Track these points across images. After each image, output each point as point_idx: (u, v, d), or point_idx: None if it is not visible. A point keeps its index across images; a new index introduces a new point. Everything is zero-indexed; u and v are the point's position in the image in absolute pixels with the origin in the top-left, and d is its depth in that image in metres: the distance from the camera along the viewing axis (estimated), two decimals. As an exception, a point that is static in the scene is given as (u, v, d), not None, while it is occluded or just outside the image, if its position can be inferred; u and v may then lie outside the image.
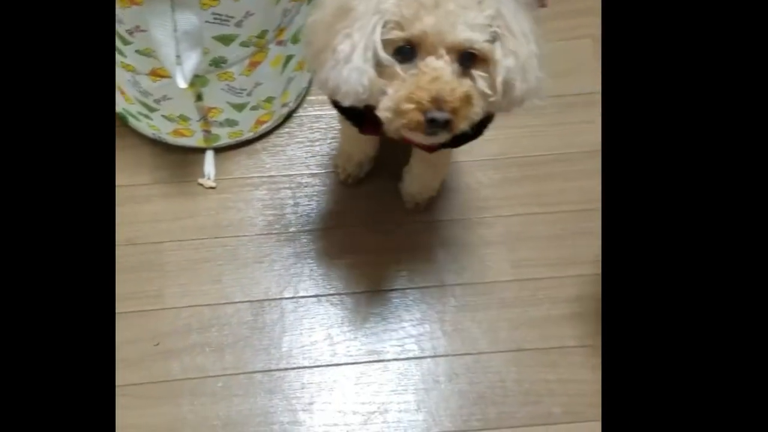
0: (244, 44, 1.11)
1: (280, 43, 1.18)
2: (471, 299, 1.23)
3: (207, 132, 1.29)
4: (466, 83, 0.76)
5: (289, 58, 1.24)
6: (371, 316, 1.21)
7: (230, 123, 1.28)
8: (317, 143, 1.36)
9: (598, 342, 1.19)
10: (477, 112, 0.78)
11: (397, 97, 0.75)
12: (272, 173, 1.34)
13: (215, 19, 1.02)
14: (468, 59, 0.76)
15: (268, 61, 1.19)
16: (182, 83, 1.02)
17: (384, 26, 0.75)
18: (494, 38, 0.77)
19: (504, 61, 0.76)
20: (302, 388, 1.16)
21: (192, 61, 1.02)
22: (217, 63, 1.12)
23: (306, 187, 1.32)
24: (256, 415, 1.13)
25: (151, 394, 1.14)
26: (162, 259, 1.25)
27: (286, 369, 1.17)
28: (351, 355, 1.19)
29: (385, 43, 0.76)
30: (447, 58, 0.74)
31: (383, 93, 0.77)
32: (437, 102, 0.73)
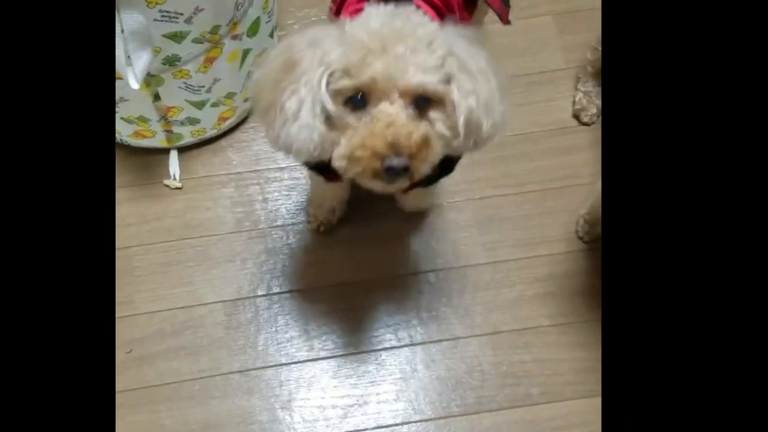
0: (196, 41, 1.08)
1: (235, 37, 1.16)
2: (445, 284, 1.23)
3: (169, 132, 1.27)
4: (424, 126, 0.73)
5: (246, 52, 1.21)
6: (347, 309, 1.20)
7: (192, 121, 1.26)
8: (282, 137, 1.34)
9: (571, 320, 1.20)
10: (437, 153, 0.74)
11: (351, 144, 0.72)
12: (239, 170, 1.33)
13: (163, 16, 1.00)
14: (423, 102, 0.73)
15: (225, 56, 1.16)
16: (134, 84, 1.00)
17: (332, 75, 0.72)
18: (448, 79, 0.74)
19: (464, 101, 0.74)
20: (280, 386, 1.15)
21: (143, 61, 0.99)
22: (171, 61, 1.10)
23: (274, 182, 1.31)
24: (235, 416, 1.13)
25: (127, 402, 1.12)
26: (130, 264, 1.23)
27: (264, 367, 1.16)
28: (328, 349, 1.18)
29: (335, 93, 0.73)
30: (401, 102, 0.72)
31: (337, 145, 0.74)
32: (394, 147, 0.70)
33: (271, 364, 1.17)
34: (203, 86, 1.19)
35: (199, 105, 1.22)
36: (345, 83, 0.72)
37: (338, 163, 0.74)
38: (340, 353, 1.17)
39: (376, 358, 1.17)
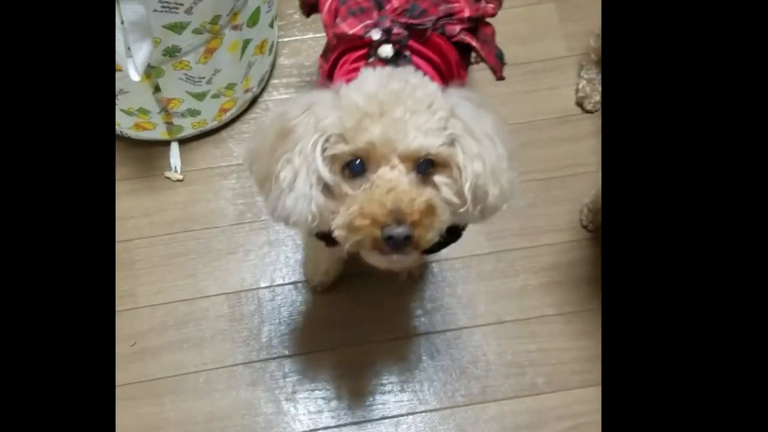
0: (197, 31, 1.07)
1: (235, 27, 1.15)
2: (449, 275, 1.22)
3: (169, 124, 1.26)
4: (428, 192, 0.68)
5: (246, 42, 1.20)
6: (350, 300, 1.20)
7: (192, 113, 1.25)
8: (283, 127, 1.33)
9: (575, 309, 1.19)
10: (443, 220, 0.69)
11: (350, 213, 0.67)
12: (240, 161, 1.32)
13: (163, 7, 0.99)
14: (427, 166, 0.68)
15: (225, 46, 1.15)
16: (135, 76, 0.99)
17: (327, 141, 0.69)
18: (453, 140, 0.70)
19: (470, 166, 0.69)
20: (285, 378, 1.15)
21: (143, 52, 0.98)
22: (171, 52, 1.09)
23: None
24: (240, 408, 1.12)
25: (131, 395, 1.12)
26: (132, 258, 1.23)
27: (267, 359, 1.16)
28: (332, 341, 1.17)
29: (332, 159, 0.69)
30: (402, 167, 0.67)
31: (336, 215, 0.70)
32: (395, 215, 0.65)
33: (275, 355, 1.16)
34: (204, 77, 1.18)
35: (200, 96, 1.21)
36: (342, 149, 0.68)
37: (337, 233, 0.70)
38: (344, 345, 1.17)
39: (380, 349, 1.17)
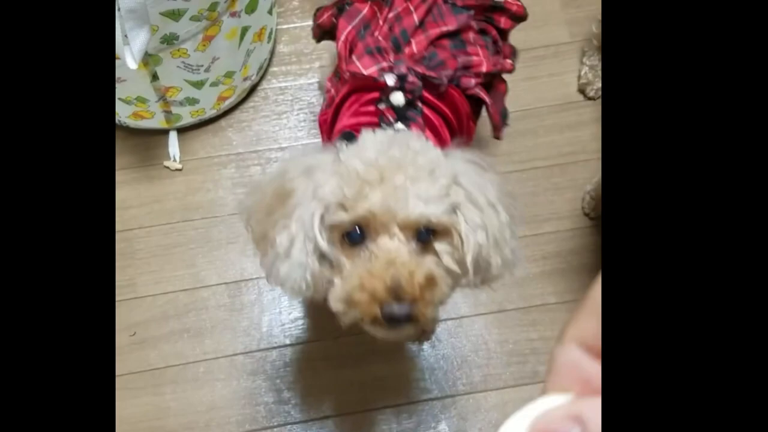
0: (194, 18, 1.06)
1: (233, 14, 1.13)
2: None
3: (168, 112, 1.25)
4: (428, 262, 0.66)
5: (245, 29, 1.19)
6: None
7: (191, 101, 1.24)
8: (284, 116, 1.33)
9: (578, 297, 1.18)
10: (445, 293, 0.67)
11: (349, 286, 0.65)
12: (240, 150, 1.31)
13: (160, -6, 0.98)
14: (427, 234, 0.67)
15: (223, 34, 1.14)
16: (132, 64, 0.98)
17: (326, 209, 0.67)
18: (455, 208, 0.68)
19: (472, 237, 0.67)
20: (285, 367, 1.14)
21: (140, 40, 0.97)
22: (169, 40, 1.07)
23: (275, 161, 1.29)
24: (241, 398, 1.12)
25: (132, 385, 1.12)
26: (132, 247, 1.22)
27: (268, 349, 1.16)
28: (332, 330, 1.17)
29: (331, 227, 0.67)
30: (402, 236, 0.65)
31: (332, 285, 0.68)
32: (394, 292, 0.63)
33: (276, 345, 1.16)
34: (202, 65, 1.17)
35: (198, 85, 1.20)
36: (341, 217, 0.66)
37: (334, 306, 0.68)
38: (345, 334, 1.16)
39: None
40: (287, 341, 1.16)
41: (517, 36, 1.39)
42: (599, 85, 1.32)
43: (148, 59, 1.11)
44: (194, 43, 1.11)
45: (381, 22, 0.87)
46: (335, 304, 0.68)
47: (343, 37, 0.88)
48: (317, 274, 0.67)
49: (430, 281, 0.65)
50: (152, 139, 1.30)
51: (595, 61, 1.32)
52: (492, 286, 0.72)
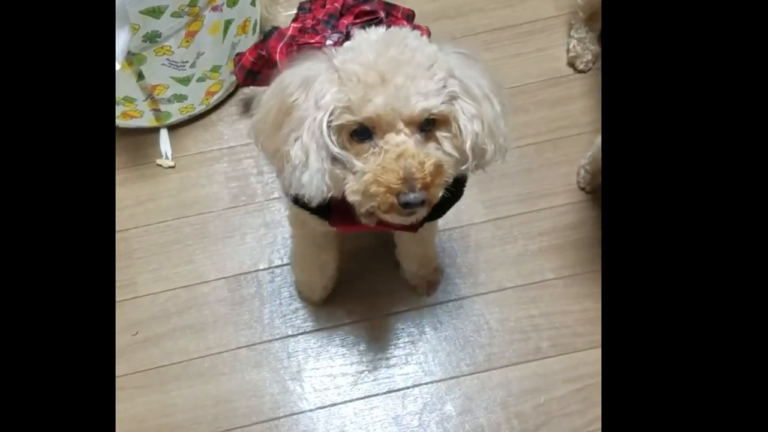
0: (175, 15, 1.05)
1: (215, 8, 1.13)
2: (447, 245, 1.22)
3: (156, 110, 1.25)
4: (433, 151, 0.72)
5: (228, 23, 1.18)
6: (350, 275, 1.19)
7: (179, 98, 1.24)
8: (273, 107, 1.32)
9: (576, 272, 1.19)
10: (449, 176, 0.73)
11: (364, 181, 0.71)
12: (231, 144, 1.31)
13: (139, -8, 0.97)
14: (428, 124, 0.72)
15: (206, 29, 1.14)
16: (116, 64, 0.98)
17: (332, 114, 0.71)
18: (452, 97, 0.73)
19: (470, 126, 0.73)
20: (289, 358, 1.15)
21: (121, 39, 0.97)
22: (151, 38, 1.07)
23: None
24: (246, 390, 1.13)
25: (137, 383, 1.13)
26: (130, 247, 1.22)
27: (271, 340, 1.16)
28: (335, 318, 1.17)
29: (338, 128, 0.71)
30: (407, 130, 0.70)
31: (347, 181, 0.73)
32: (407, 181, 0.69)
33: (278, 336, 1.16)
34: (187, 61, 1.16)
35: (185, 81, 1.20)
36: (348, 119, 0.70)
37: (352, 198, 0.73)
38: (347, 321, 1.17)
39: (383, 323, 1.17)
40: (289, 332, 1.17)
41: (503, 13, 1.39)
42: (589, 57, 1.31)
43: (132, 58, 1.10)
44: (177, 39, 1.10)
45: (309, 23, 0.93)
46: (353, 196, 0.73)
47: (279, 48, 0.95)
48: (333, 174, 0.73)
49: (438, 168, 0.71)
50: (143, 138, 1.30)
51: (583, 33, 1.31)
52: (486, 169, 0.78)
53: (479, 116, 0.73)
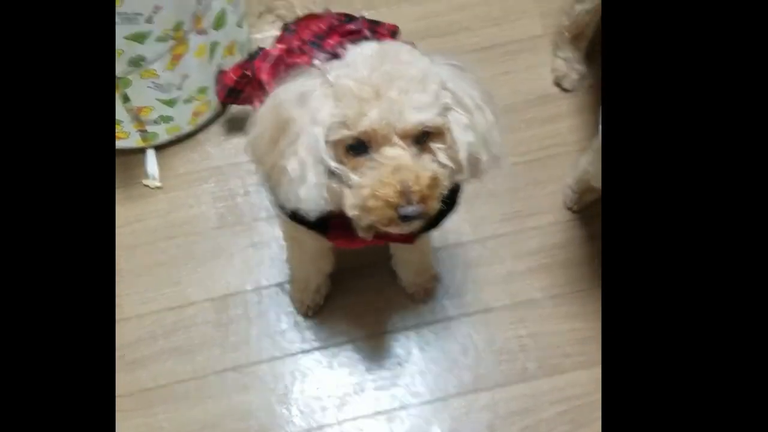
0: (160, 39, 1.06)
1: (200, 32, 1.13)
2: (435, 265, 1.22)
3: (143, 132, 1.25)
4: (428, 163, 0.73)
5: (214, 45, 1.19)
6: (336, 297, 1.19)
7: (165, 119, 1.24)
8: (260, 127, 1.32)
9: (564, 291, 1.18)
10: (445, 187, 0.75)
11: (362, 195, 0.72)
12: (219, 164, 1.31)
13: (122, 19, 0.97)
14: (424, 136, 0.73)
15: (192, 52, 1.14)
16: (100, 90, 0.98)
17: (328, 129, 0.72)
18: (446, 109, 0.74)
19: (463, 136, 0.74)
20: (276, 380, 1.14)
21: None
22: (136, 62, 1.07)
23: (255, 174, 1.28)
24: (233, 414, 1.12)
25: (124, 407, 1.12)
26: (116, 267, 1.22)
27: (258, 363, 1.16)
28: (321, 339, 1.17)
29: (335, 143, 0.73)
30: (402, 143, 0.71)
31: (344, 196, 0.74)
32: (405, 195, 0.70)
33: (265, 358, 1.16)
34: (173, 84, 1.16)
35: (171, 103, 1.20)
36: (344, 134, 0.72)
37: (351, 213, 0.74)
38: (333, 343, 1.17)
39: (370, 345, 1.17)
40: (276, 353, 1.16)
41: (490, 31, 1.39)
42: (574, 76, 1.32)
43: (118, 82, 1.10)
44: (163, 63, 1.11)
45: (295, 44, 0.93)
46: (351, 210, 0.74)
47: (265, 68, 0.94)
48: (331, 188, 0.74)
49: (434, 180, 0.73)
50: (130, 158, 1.30)
51: (568, 53, 1.31)
52: (480, 178, 0.80)
53: (472, 126, 0.75)
